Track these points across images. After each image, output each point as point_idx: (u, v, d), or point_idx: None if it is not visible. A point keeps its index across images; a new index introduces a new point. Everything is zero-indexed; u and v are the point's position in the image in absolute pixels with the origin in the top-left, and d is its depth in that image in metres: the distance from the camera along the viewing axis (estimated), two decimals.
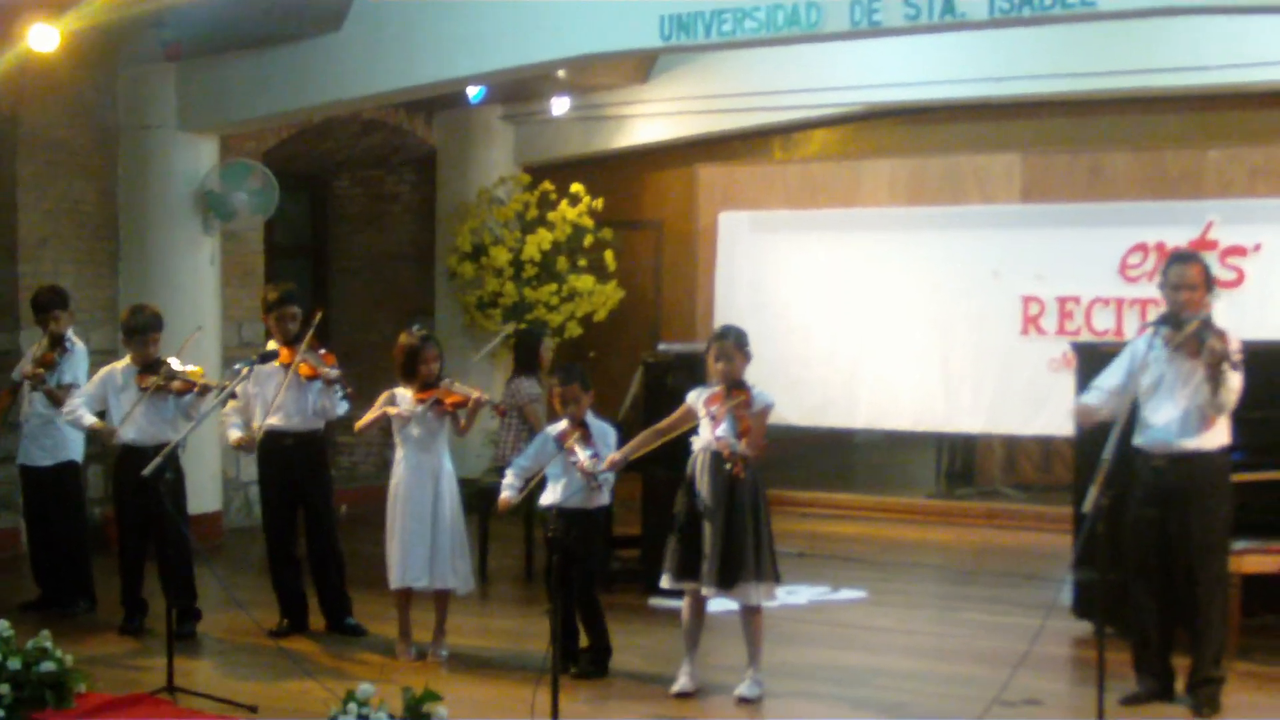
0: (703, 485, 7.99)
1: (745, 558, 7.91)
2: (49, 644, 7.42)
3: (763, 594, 8.04)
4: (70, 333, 10.23)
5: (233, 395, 9.03)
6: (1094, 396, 7.85)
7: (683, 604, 8.22)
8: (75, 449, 10.30)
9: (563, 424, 8.42)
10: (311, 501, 9.59)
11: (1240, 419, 7.77)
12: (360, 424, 8.99)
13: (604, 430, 8.45)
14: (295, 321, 9.50)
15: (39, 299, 10.29)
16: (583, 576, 8.35)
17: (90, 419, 9.52)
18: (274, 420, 9.41)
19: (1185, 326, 7.46)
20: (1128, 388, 7.72)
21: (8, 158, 12.20)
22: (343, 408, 9.54)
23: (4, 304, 12.17)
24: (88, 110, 12.70)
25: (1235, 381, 7.43)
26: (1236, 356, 7.37)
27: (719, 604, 8.29)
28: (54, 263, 12.33)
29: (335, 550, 9.62)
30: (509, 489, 8.34)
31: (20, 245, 12.20)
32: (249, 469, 13.13)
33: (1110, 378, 7.85)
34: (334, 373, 9.28)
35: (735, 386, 8.00)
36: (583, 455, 8.24)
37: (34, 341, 10.52)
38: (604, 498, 8.47)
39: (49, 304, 10.21)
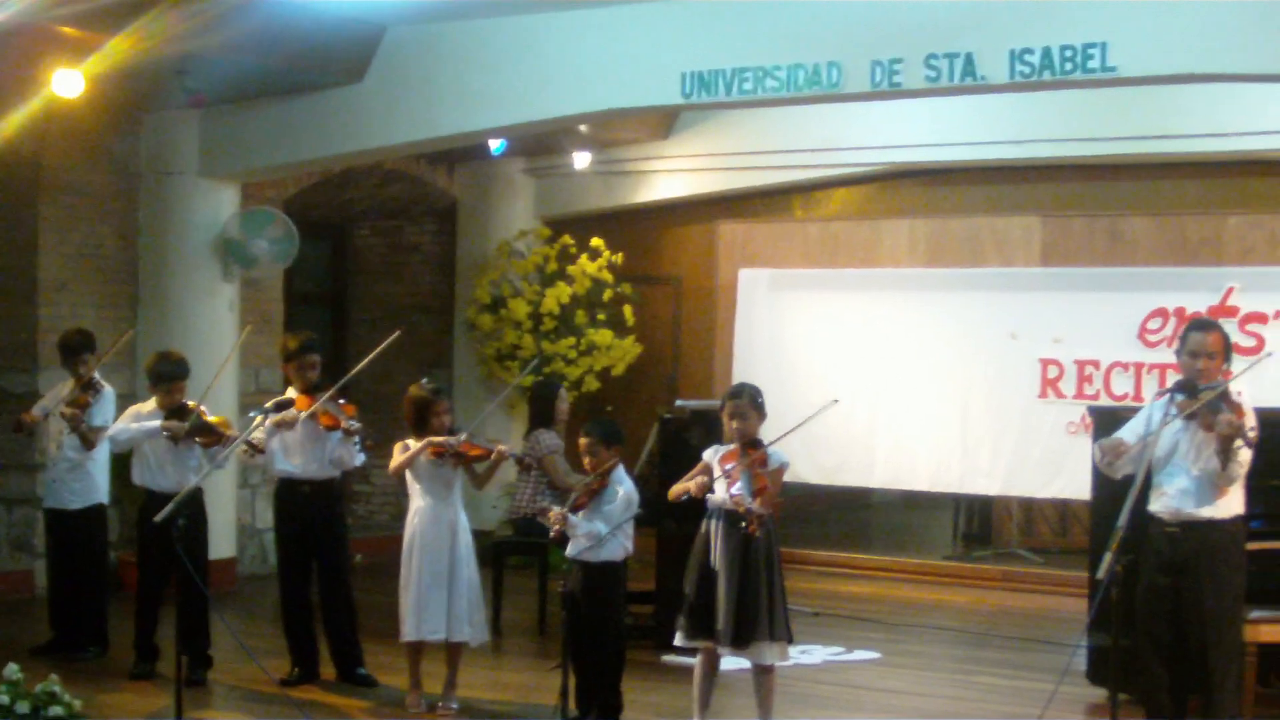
0: (716, 543, 7.95)
1: (759, 617, 7.86)
2: (58, 688, 7.40)
3: (776, 653, 7.99)
4: (98, 375, 10.24)
5: (248, 444, 9.04)
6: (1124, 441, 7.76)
7: (696, 661, 8.19)
8: (103, 492, 10.30)
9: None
10: (326, 550, 9.59)
11: (1258, 487, 7.72)
12: (393, 465, 8.90)
13: (614, 493, 8.16)
14: (315, 370, 9.51)
15: (67, 342, 10.29)
16: (594, 627, 8.21)
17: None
18: (291, 468, 9.44)
19: (1200, 396, 7.40)
20: (1141, 452, 7.66)
21: (29, 201, 12.26)
22: (359, 459, 9.54)
23: (23, 346, 12.19)
24: (110, 155, 12.76)
25: (1244, 456, 7.35)
26: (1251, 433, 7.29)
27: (731, 662, 8.24)
28: (73, 306, 12.35)
29: (348, 599, 9.61)
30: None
31: (40, 288, 12.23)
32: (265, 516, 13.12)
33: (1127, 434, 7.80)
34: (355, 424, 9.26)
35: (750, 445, 7.97)
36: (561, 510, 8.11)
37: (52, 383, 10.51)
38: (626, 548, 8.26)
39: (78, 347, 10.21)
